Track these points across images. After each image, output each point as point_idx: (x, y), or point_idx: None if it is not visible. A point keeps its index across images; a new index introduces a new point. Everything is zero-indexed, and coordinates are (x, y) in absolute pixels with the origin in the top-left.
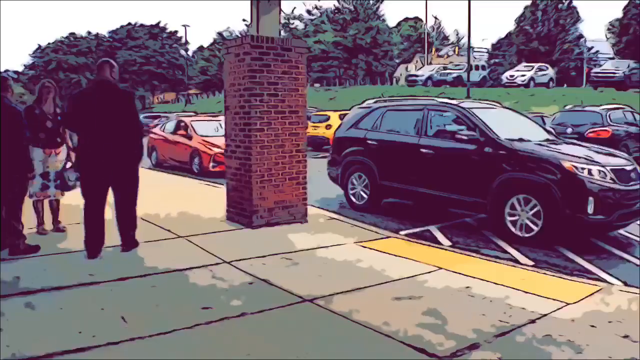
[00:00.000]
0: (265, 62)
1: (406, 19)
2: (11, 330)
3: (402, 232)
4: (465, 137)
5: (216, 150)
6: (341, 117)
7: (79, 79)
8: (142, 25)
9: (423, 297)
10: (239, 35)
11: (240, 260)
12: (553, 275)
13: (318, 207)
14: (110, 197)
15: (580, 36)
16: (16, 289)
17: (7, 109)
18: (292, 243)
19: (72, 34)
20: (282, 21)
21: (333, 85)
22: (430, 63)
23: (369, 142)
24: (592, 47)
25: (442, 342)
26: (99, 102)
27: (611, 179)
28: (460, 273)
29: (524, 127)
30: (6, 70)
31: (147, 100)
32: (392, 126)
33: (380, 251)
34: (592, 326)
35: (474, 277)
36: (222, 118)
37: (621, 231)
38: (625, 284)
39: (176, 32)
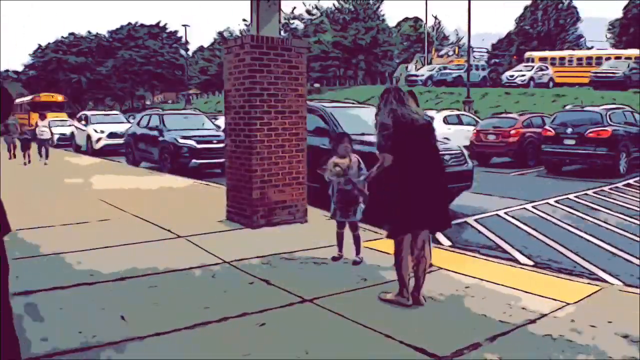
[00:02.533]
0: (265, 62)
1: (406, 19)
2: None
3: None
4: None
5: None
6: None
7: (79, 78)
8: (142, 25)
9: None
10: (239, 35)
11: (240, 260)
12: (553, 275)
13: (318, 207)
14: None
15: (580, 36)
16: (16, 288)
17: None
18: (292, 243)
19: (72, 33)
20: (282, 21)
21: (333, 85)
22: (430, 63)
23: None
24: (592, 47)
25: (442, 342)
26: None
27: None
28: (460, 273)
29: None
30: (6, 70)
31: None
32: None
33: (381, 251)
34: (592, 326)
35: (474, 277)
36: None
37: (620, 231)
38: (625, 284)
39: (176, 32)
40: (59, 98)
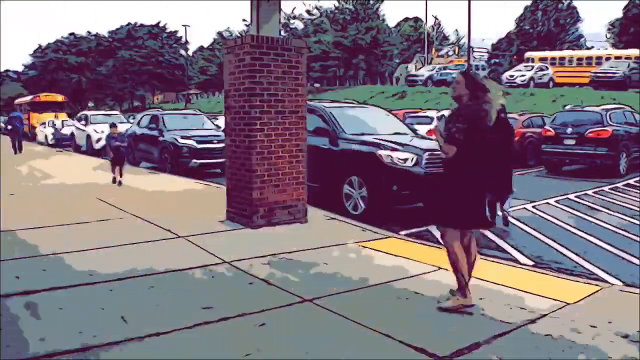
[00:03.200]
0: (265, 62)
1: (406, 19)
2: (11, 330)
3: (402, 232)
4: None
5: None
6: None
7: (79, 78)
8: (142, 25)
9: (423, 297)
10: (239, 35)
11: (240, 260)
12: (553, 275)
13: (318, 207)
14: None
15: (580, 36)
16: (16, 288)
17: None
18: (292, 243)
19: (72, 34)
20: (282, 21)
21: (333, 85)
22: (430, 63)
23: None
24: (592, 47)
25: (442, 342)
26: None
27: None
28: None
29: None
30: (6, 70)
31: (147, 100)
32: None
33: (380, 251)
34: (592, 326)
35: (474, 277)
36: None
37: (620, 231)
38: (625, 284)
39: (176, 32)
40: (59, 98)
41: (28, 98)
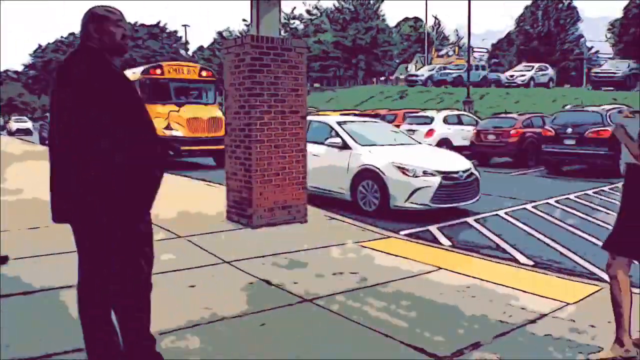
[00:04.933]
0: (265, 62)
1: (406, 19)
2: (11, 330)
3: (402, 232)
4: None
5: None
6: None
7: None
8: (142, 25)
9: (423, 297)
10: (239, 35)
11: (240, 260)
12: (553, 275)
13: (318, 207)
14: None
15: (580, 36)
16: (16, 289)
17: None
18: (292, 243)
19: (72, 33)
20: (282, 21)
21: (333, 85)
22: (430, 63)
23: None
24: (592, 47)
25: (442, 342)
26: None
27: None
28: (460, 273)
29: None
30: (6, 70)
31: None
32: None
33: (380, 251)
34: (592, 326)
35: (474, 277)
36: None
37: None
38: None
39: (176, 32)
40: None
41: None
